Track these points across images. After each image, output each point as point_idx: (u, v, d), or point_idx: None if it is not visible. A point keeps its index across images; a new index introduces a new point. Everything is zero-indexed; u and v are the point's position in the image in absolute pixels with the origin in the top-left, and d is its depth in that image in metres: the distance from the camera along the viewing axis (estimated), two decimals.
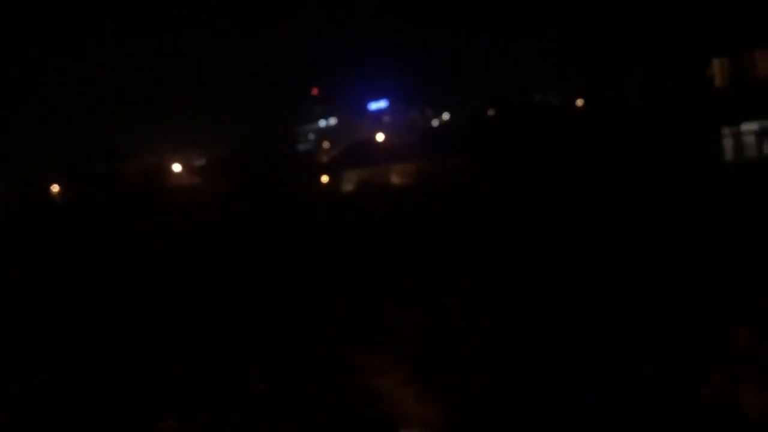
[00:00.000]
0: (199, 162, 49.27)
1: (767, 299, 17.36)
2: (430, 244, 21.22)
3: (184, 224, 25.22)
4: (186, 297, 20.19)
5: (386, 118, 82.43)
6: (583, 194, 21.57)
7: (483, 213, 21.99)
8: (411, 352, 18.06)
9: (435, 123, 68.59)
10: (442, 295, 19.61)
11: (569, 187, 22.25)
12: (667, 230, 19.14)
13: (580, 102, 33.94)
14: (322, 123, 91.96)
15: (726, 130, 26.70)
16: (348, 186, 42.39)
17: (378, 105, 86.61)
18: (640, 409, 15.45)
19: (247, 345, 19.32)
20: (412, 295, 19.90)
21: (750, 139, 26.72)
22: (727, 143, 26.88)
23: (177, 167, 47.64)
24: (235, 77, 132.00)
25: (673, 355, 16.44)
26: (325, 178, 44.66)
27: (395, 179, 41.72)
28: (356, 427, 16.93)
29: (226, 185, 32.55)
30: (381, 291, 20.75)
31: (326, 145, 77.91)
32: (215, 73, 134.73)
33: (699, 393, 15.92)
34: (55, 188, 39.95)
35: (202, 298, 20.24)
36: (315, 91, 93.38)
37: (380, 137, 62.44)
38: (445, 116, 68.41)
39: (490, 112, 38.10)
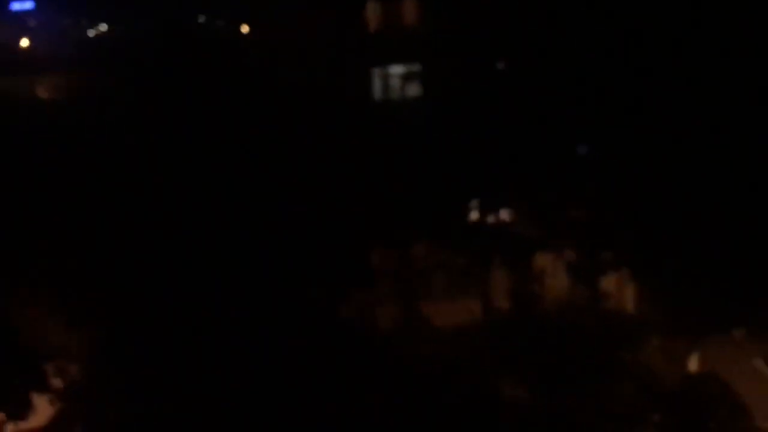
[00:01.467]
0: None
1: (401, 230, 19.72)
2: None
3: None
4: None
5: (32, 22, 73.69)
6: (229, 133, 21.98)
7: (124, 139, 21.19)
8: None
9: (91, 34, 63.12)
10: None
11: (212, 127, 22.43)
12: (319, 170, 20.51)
13: (245, 28, 33.93)
14: None
15: (376, 72, 29.01)
16: None
17: (22, 5, 77.00)
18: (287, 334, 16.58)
19: None
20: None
21: (395, 82, 29.41)
22: (377, 84, 29.27)
23: None
24: None
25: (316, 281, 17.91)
26: None
27: (41, 92, 37.92)
28: None
29: None
30: None
31: None
32: None
33: (341, 311, 17.68)
34: None
35: None
36: None
37: (24, 43, 55.72)
38: (103, 27, 63.18)
39: (141, 29, 36.00)
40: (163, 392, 15.16)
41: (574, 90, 22.57)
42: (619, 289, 18.98)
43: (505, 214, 21.73)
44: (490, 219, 21.73)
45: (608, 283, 19.06)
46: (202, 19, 41.86)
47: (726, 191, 18.99)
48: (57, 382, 16.14)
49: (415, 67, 28.97)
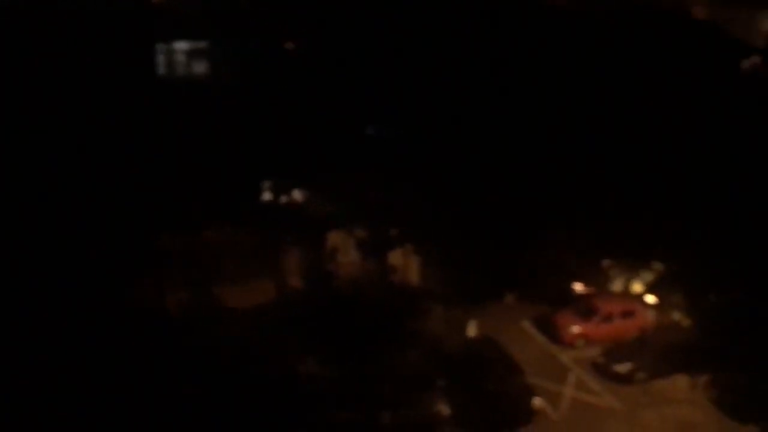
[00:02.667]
0: None
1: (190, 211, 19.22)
2: None
3: None
4: None
5: None
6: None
7: None
8: None
9: None
10: None
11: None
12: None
13: None
14: None
15: (161, 47, 27.73)
16: None
17: None
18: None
19: None
20: None
21: (182, 58, 28.30)
22: (161, 60, 27.99)
23: None
24: None
25: None
26: None
27: None
28: None
29: None
30: None
31: None
32: None
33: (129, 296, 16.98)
34: None
35: None
36: None
37: None
38: None
39: None
40: None
41: (364, 70, 23.18)
42: (405, 264, 19.96)
43: (297, 194, 21.91)
44: (283, 199, 21.81)
45: (395, 257, 19.96)
46: None
47: (494, 165, 20.56)
48: None
49: (202, 44, 28.13)
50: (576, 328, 18.79)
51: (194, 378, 14.97)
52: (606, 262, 20.62)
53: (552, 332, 18.98)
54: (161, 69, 27.31)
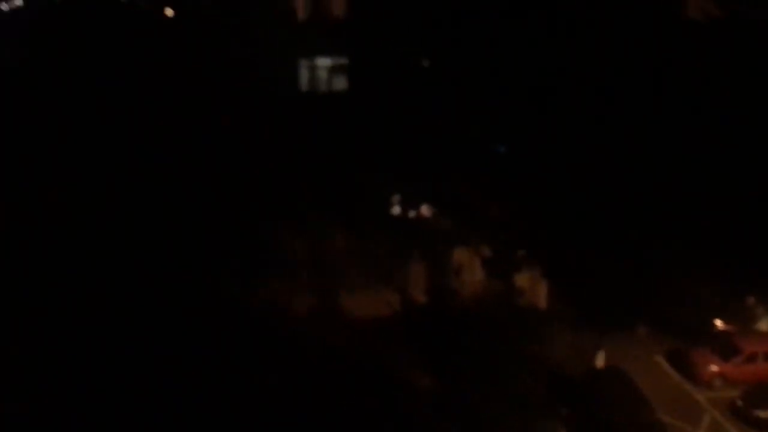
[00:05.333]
0: None
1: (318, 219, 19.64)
2: None
3: None
4: None
5: None
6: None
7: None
8: None
9: (5, 7, 60.32)
10: None
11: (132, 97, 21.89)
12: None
13: (169, 11, 33.18)
14: None
15: (303, 63, 28.77)
16: None
17: None
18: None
19: None
20: None
21: (323, 74, 29.23)
22: (303, 75, 29.02)
23: None
24: None
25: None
26: None
27: None
28: None
29: None
30: None
31: None
32: None
33: (254, 299, 17.50)
34: None
35: None
36: None
37: None
38: (18, 2, 60.49)
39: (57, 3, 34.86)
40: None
41: (496, 87, 22.99)
42: (532, 286, 19.42)
43: (425, 210, 21.96)
44: (411, 214, 21.91)
45: (522, 279, 19.48)
46: None
47: (632, 194, 19.72)
48: None
49: (342, 60, 28.95)
50: (714, 367, 17.55)
51: (313, 380, 15.17)
52: (751, 300, 19.24)
53: (687, 369, 17.82)
54: (304, 84, 28.36)
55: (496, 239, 20.12)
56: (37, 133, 21.66)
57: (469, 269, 19.74)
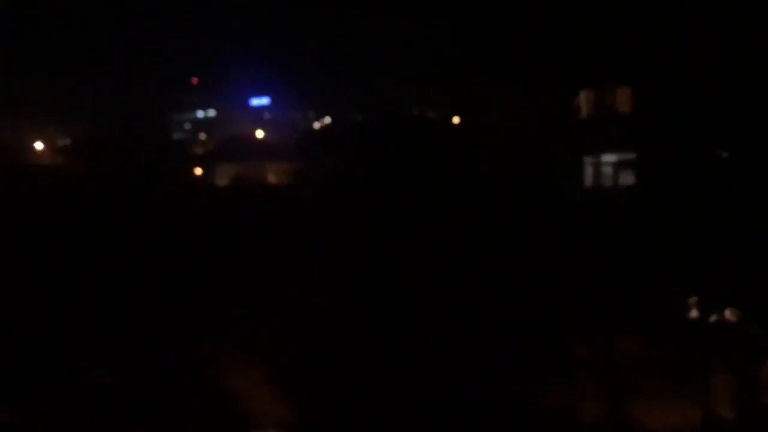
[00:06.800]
0: (64, 142, 47.01)
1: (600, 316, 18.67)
2: (295, 243, 21.30)
3: (39, 207, 23.92)
4: (41, 287, 19.18)
5: (267, 115, 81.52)
6: (443, 206, 22.35)
7: (351, 216, 22.30)
8: (272, 351, 17.99)
9: (316, 125, 68.65)
10: (308, 296, 19.72)
11: (431, 197, 22.96)
12: (516, 249, 20.16)
13: (456, 119, 35.16)
14: (200, 114, 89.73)
15: (587, 159, 28.49)
16: (222, 180, 41.71)
17: (260, 101, 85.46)
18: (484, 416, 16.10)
19: (101, 340, 18.61)
20: (278, 295, 19.85)
21: (608, 170, 28.61)
22: (588, 171, 28.67)
23: (39, 145, 45.19)
24: (109, 55, 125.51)
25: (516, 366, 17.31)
26: (198, 170, 43.71)
27: (271, 177, 41.39)
28: (210, 427, 16.58)
29: (89, 168, 31.17)
30: (246, 288, 20.53)
31: (202, 136, 76.20)
32: (87, 47, 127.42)
33: (539, 403, 16.86)
34: None
35: (59, 289, 19.28)
36: (194, 81, 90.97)
37: (259, 134, 61.71)
38: (327, 120, 68.67)
39: (362, 120, 38.89)
40: None
41: None
42: None
43: (730, 314, 19.87)
44: (712, 317, 19.94)
45: None
46: (416, 111, 44.08)
47: None
48: None
49: (630, 156, 28.08)
50: None
51: None
52: None
53: None
54: (588, 180, 27.92)
55: None
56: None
57: None
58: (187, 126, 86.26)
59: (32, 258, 20.72)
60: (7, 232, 22.08)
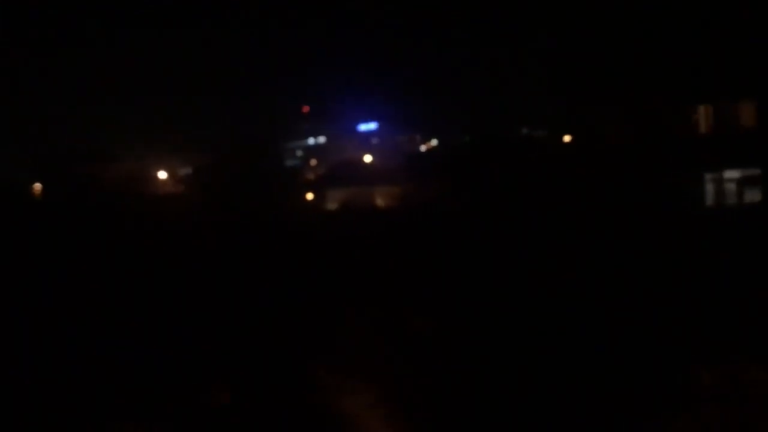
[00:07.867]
0: (185, 170, 49.32)
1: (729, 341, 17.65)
2: (406, 264, 21.45)
3: (164, 233, 25.22)
4: (160, 308, 20.14)
5: (375, 140, 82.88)
6: (558, 226, 21.90)
7: (460, 237, 22.26)
8: (382, 373, 18.10)
9: (423, 148, 69.07)
10: (417, 315, 19.77)
11: (545, 216, 22.58)
12: (637, 270, 19.46)
13: (567, 137, 34.45)
14: (311, 141, 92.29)
15: (708, 176, 27.24)
16: (332, 204, 42.58)
17: (367, 126, 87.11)
18: None
19: (217, 357, 19.28)
20: (386, 314, 20.00)
21: (731, 186, 27.25)
22: (709, 189, 27.40)
23: (162, 174, 47.61)
24: (225, 88, 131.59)
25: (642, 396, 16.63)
26: (310, 195, 44.83)
27: (380, 201, 41.92)
28: None
29: (210, 195, 32.60)
30: (357, 310, 20.78)
31: (313, 162, 78.21)
32: (205, 81, 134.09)
33: None
34: (36, 187, 39.66)
35: (177, 309, 20.19)
36: (305, 109, 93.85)
37: (368, 158, 62.74)
38: (434, 142, 69.00)
39: (470, 141, 38.84)
40: None
41: None
42: None
43: None
44: None
45: None
46: (525, 130, 43.67)
47: None
48: None
49: (754, 171, 26.61)
50: None
51: None
52: None
53: None
54: (710, 197, 26.77)
55: None
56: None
57: None
58: (299, 153, 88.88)
59: (152, 278, 21.81)
60: (134, 251, 23.44)
